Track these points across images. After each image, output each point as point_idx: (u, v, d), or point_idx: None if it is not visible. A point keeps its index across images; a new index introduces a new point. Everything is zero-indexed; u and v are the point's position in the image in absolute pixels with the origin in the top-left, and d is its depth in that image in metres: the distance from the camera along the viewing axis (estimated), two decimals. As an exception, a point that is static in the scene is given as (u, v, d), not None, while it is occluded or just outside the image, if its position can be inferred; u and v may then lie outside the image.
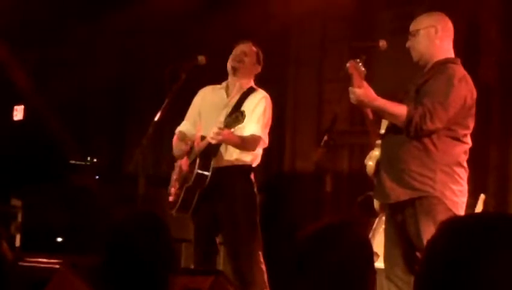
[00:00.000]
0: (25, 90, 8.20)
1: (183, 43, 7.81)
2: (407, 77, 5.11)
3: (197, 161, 5.59)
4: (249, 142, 5.54)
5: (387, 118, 4.68)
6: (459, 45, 4.86)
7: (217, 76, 5.86)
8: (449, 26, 4.77)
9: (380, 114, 4.70)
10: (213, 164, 5.58)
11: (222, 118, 5.53)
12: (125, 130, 8.68)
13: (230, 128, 5.32)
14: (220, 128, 5.29)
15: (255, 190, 5.66)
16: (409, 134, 4.54)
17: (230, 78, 5.76)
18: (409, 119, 4.51)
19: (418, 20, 4.79)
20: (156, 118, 5.48)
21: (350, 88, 4.63)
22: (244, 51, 5.70)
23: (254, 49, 5.73)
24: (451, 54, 4.75)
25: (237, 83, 5.71)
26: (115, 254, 2.77)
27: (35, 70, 8.14)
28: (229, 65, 5.73)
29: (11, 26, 7.94)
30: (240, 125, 5.34)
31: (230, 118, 5.34)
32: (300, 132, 7.93)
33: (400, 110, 4.56)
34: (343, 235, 2.36)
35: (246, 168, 5.64)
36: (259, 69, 5.76)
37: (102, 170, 8.08)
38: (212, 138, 5.37)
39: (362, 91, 4.59)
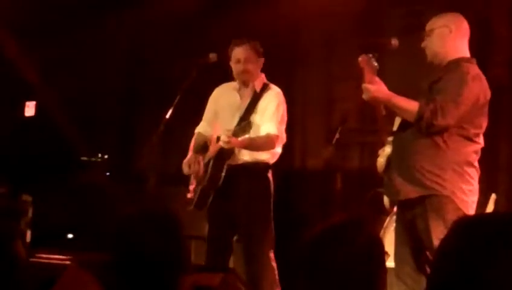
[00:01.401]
0: (36, 87, 8.22)
1: (192, 41, 7.81)
2: (417, 75, 5.11)
3: (211, 162, 5.61)
4: (264, 142, 5.55)
5: (400, 114, 4.67)
6: (470, 44, 4.85)
7: (226, 74, 5.86)
8: (464, 26, 4.77)
9: (392, 109, 4.68)
10: (229, 161, 5.59)
11: (235, 121, 5.56)
12: (135, 127, 8.69)
13: (238, 137, 5.34)
14: (228, 137, 5.31)
15: (271, 188, 5.65)
16: (421, 130, 4.53)
17: (240, 83, 5.75)
18: (420, 114, 4.50)
19: (432, 20, 4.80)
20: (167, 116, 5.49)
21: (363, 85, 4.62)
22: (245, 59, 5.63)
23: (250, 47, 5.65)
24: (466, 54, 4.75)
25: (249, 86, 5.71)
26: (125, 252, 2.77)
27: (44, 67, 8.15)
28: (236, 76, 5.70)
29: (21, 23, 7.95)
30: (250, 129, 5.36)
31: (239, 127, 5.37)
32: (309, 129, 7.92)
33: (412, 105, 4.55)
34: (354, 234, 2.35)
35: (262, 166, 5.64)
36: (262, 60, 5.71)
37: (113, 167, 8.09)
38: (223, 145, 5.39)
39: (375, 87, 4.59)
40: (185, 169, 5.76)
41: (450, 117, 4.49)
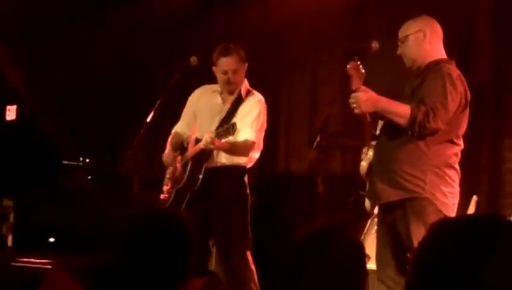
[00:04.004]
0: (18, 90, 8.18)
1: (177, 44, 7.80)
2: (402, 79, 5.10)
3: (189, 163, 5.61)
4: (242, 147, 5.56)
5: (391, 117, 4.60)
6: (451, 46, 4.85)
7: (211, 76, 5.85)
8: (437, 28, 4.77)
9: (383, 114, 4.65)
10: (206, 164, 5.58)
11: (216, 123, 5.56)
12: (118, 130, 8.66)
13: (221, 139, 5.33)
14: (211, 138, 5.30)
15: (247, 191, 5.66)
16: (414, 133, 4.49)
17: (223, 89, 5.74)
18: (413, 118, 4.45)
19: (405, 26, 4.78)
20: (148, 119, 5.49)
21: (352, 94, 4.59)
22: (233, 71, 5.60)
23: (236, 56, 5.61)
24: (443, 55, 4.75)
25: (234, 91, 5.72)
26: (130, 255, 2.73)
27: (29, 70, 8.12)
28: (221, 85, 5.68)
29: (7, 26, 7.92)
30: (235, 132, 5.35)
31: (222, 129, 5.36)
32: (293, 133, 7.93)
33: (404, 109, 4.51)
34: (335, 238, 2.36)
35: (239, 170, 5.64)
36: (246, 65, 5.70)
37: (95, 170, 8.07)
38: (204, 145, 5.39)
39: (364, 94, 4.56)
40: (168, 161, 5.75)
41: (440, 120, 4.47)
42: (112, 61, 8.33)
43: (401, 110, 4.53)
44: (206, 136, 5.37)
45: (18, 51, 7.98)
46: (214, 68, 5.68)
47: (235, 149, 5.54)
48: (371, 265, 4.79)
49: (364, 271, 2.39)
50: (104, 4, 8.05)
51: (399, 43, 4.76)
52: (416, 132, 4.48)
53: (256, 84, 5.83)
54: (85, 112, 8.60)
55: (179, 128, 5.89)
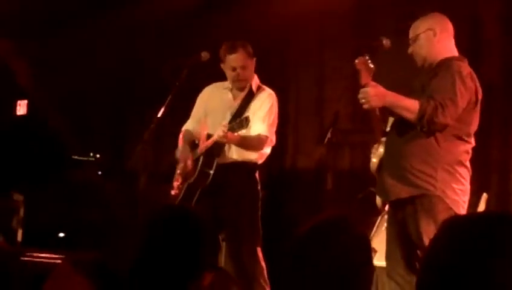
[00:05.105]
0: (27, 85, 8.21)
1: (183, 41, 7.81)
2: (410, 77, 5.10)
3: (201, 158, 5.61)
4: (255, 142, 5.56)
5: (400, 112, 4.59)
6: (461, 44, 4.84)
7: (217, 74, 5.85)
8: (448, 26, 4.76)
9: (392, 109, 4.64)
10: (217, 160, 5.59)
11: (227, 119, 5.57)
12: (127, 126, 8.68)
13: (234, 133, 5.34)
14: (223, 131, 5.31)
15: (259, 187, 5.67)
16: (422, 128, 4.49)
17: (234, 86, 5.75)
18: (422, 112, 4.45)
19: (415, 25, 4.77)
20: (159, 114, 5.49)
21: (361, 89, 4.59)
22: (241, 67, 5.62)
23: (243, 52, 5.62)
24: (455, 53, 4.74)
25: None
26: (143, 251, 2.73)
27: (37, 66, 8.14)
28: (231, 82, 5.69)
29: (13, 21, 7.94)
30: (248, 125, 5.35)
31: (235, 122, 5.37)
32: (301, 129, 7.93)
33: (413, 103, 4.50)
34: (340, 230, 2.35)
35: (250, 166, 5.65)
36: (254, 61, 5.70)
37: (104, 165, 8.08)
38: (218, 138, 5.40)
39: (373, 89, 4.56)
40: (178, 155, 5.77)
41: (449, 115, 4.47)
42: (112, 61, 8.33)
43: (410, 105, 4.52)
44: (219, 130, 5.37)
45: (25, 47, 8.00)
46: (222, 66, 5.69)
47: (248, 143, 5.54)
48: (381, 262, 4.79)
49: (370, 264, 2.38)
50: (104, 4, 8.04)
51: (410, 42, 4.76)
52: (424, 126, 4.48)
53: (264, 81, 5.83)
54: (95, 107, 8.62)
55: (189, 126, 5.89)
